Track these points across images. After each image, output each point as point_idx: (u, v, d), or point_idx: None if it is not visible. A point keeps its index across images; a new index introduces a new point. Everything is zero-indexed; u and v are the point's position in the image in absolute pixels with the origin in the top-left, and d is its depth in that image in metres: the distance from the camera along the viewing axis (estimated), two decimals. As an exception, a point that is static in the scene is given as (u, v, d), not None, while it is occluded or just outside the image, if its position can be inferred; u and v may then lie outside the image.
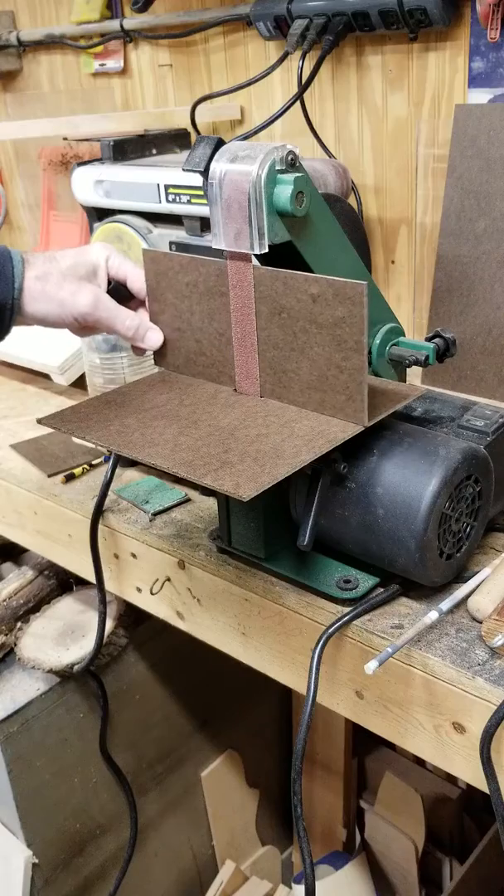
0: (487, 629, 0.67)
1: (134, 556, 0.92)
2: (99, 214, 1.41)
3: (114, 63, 1.67)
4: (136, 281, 0.82)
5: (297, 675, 0.79)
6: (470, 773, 0.67)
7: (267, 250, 0.70)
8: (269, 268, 0.71)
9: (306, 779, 1.61)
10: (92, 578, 0.96)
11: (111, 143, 1.37)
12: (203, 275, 0.75)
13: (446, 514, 0.69)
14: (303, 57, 1.25)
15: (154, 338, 0.81)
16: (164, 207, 1.27)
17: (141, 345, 0.81)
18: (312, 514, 0.71)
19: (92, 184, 1.36)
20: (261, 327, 0.73)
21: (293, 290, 0.69)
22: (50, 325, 0.79)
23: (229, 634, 0.85)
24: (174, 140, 1.47)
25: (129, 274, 0.82)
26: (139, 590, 0.95)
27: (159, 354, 0.83)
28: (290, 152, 0.69)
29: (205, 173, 0.73)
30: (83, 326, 0.80)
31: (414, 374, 1.17)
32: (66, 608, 1.25)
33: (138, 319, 0.80)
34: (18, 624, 1.22)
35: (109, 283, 0.81)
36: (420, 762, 1.58)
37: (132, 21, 1.56)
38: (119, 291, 0.82)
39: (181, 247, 1.24)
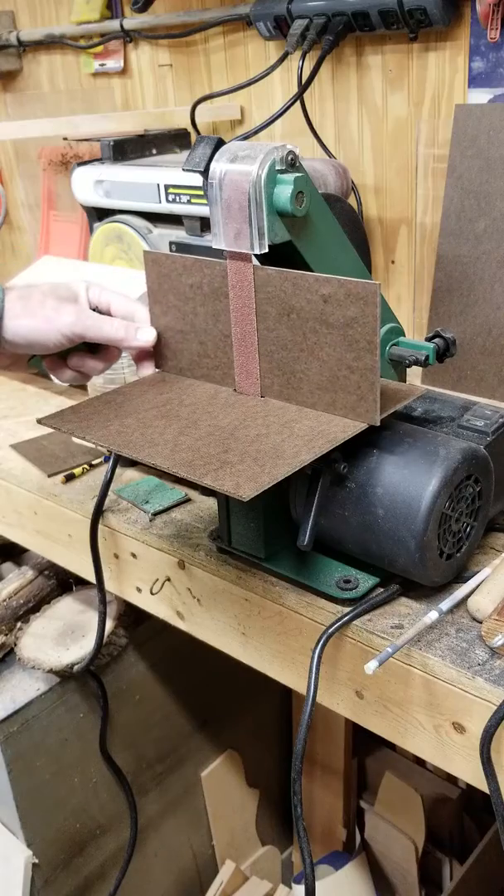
0: (487, 629, 0.67)
1: (134, 556, 0.92)
2: (99, 214, 1.41)
3: (114, 63, 1.67)
4: (120, 307, 0.80)
5: (297, 675, 0.79)
6: (470, 773, 0.67)
7: (267, 250, 0.70)
8: (277, 268, 0.71)
9: (306, 779, 1.61)
10: (92, 578, 0.96)
11: (111, 143, 1.38)
12: (207, 276, 0.75)
13: (446, 514, 0.69)
14: (303, 57, 1.25)
15: (146, 334, 0.79)
16: (164, 207, 1.27)
17: (135, 343, 0.79)
18: (312, 514, 0.71)
19: (92, 184, 1.36)
20: (269, 328, 0.73)
21: (303, 291, 0.69)
22: (35, 346, 0.77)
23: (229, 634, 0.85)
24: (174, 140, 1.47)
25: (112, 300, 0.80)
26: (139, 590, 0.95)
27: (161, 357, 0.83)
28: (290, 152, 0.69)
29: (205, 173, 0.73)
30: (67, 348, 0.78)
31: (414, 374, 1.17)
32: (66, 608, 1.25)
33: (125, 322, 0.79)
34: (18, 624, 1.22)
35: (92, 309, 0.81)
36: (420, 762, 1.58)
37: (132, 21, 1.56)
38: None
39: (181, 247, 1.24)
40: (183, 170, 0.77)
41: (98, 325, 0.77)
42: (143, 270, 0.81)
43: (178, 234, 1.28)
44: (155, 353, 0.83)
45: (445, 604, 0.70)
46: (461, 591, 0.71)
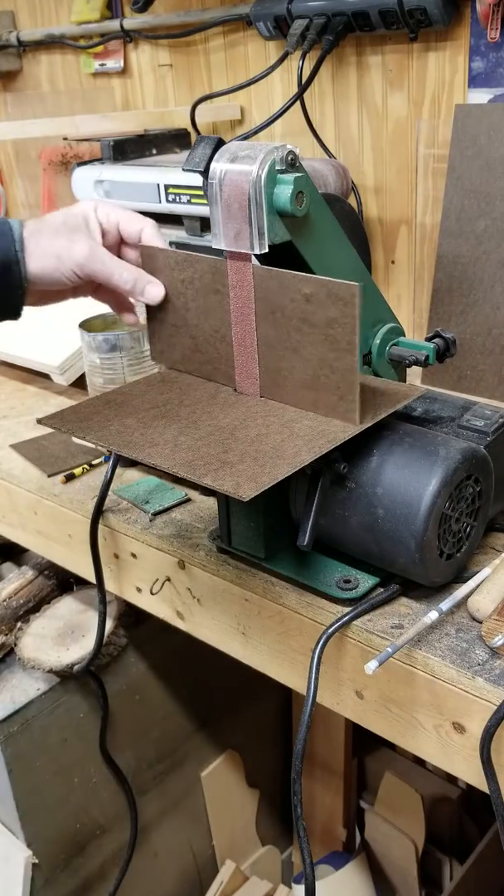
0: (487, 629, 0.67)
1: (134, 556, 0.92)
2: (99, 214, 1.41)
3: (114, 63, 1.67)
4: (128, 224, 0.79)
5: (297, 675, 0.79)
6: (470, 773, 0.67)
7: (267, 250, 0.70)
8: (264, 266, 0.71)
9: (306, 779, 1.61)
10: (92, 578, 0.96)
11: (111, 143, 1.38)
12: (199, 272, 0.75)
13: (446, 514, 0.69)
14: (303, 57, 1.25)
15: (154, 291, 0.78)
16: (164, 207, 1.27)
17: (141, 298, 0.78)
18: (312, 514, 0.71)
19: (92, 184, 1.36)
20: (256, 326, 0.73)
21: (287, 290, 0.69)
22: (50, 283, 0.76)
23: (229, 634, 0.85)
24: (174, 140, 1.47)
25: (120, 218, 0.79)
26: (139, 590, 0.95)
27: (157, 351, 0.83)
28: (290, 152, 0.69)
29: (205, 173, 0.73)
30: (80, 284, 0.78)
31: (414, 374, 1.17)
32: (66, 608, 1.25)
33: (136, 272, 0.77)
34: (18, 624, 1.22)
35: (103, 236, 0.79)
36: (420, 762, 1.58)
37: (132, 21, 1.56)
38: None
39: (181, 247, 1.24)
40: (183, 170, 0.77)
41: (108, 270, 0.76)
42: (142, 270, 0.81)
43: (178, 234, 1.28)
44: (150, 345, 0.83)
45: (445, 604, 0.70)
46: (461, 591, 0.71)
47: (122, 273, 0.77)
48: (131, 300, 0.82)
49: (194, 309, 0.77)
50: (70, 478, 1.02)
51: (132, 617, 1.25)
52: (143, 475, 1.01)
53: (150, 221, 0.80)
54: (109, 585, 0.98)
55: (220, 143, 0.74)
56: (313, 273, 0.74)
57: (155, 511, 0.92)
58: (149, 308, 0.81)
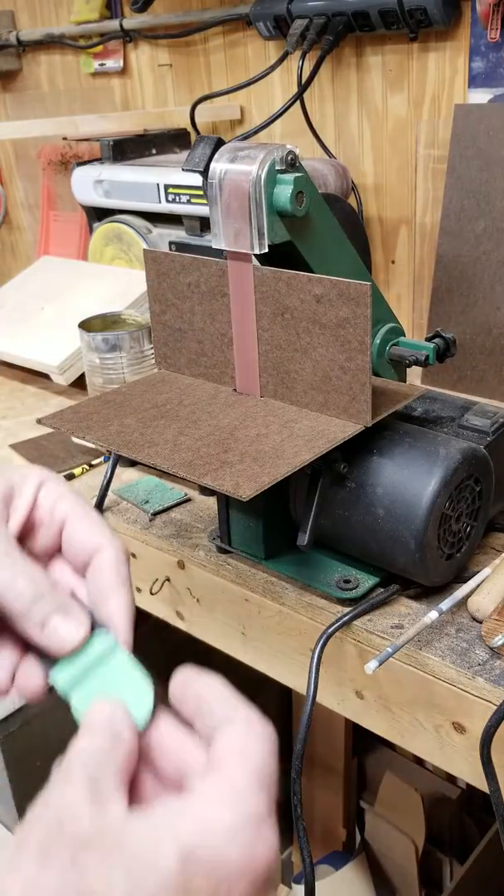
0: (487, 629, 0.67)
1: (134, 556, 0.92)
2: (99, 214, 1.41)
3: (113, 63, 1.67)
4: (79, 533, 0.47)
5: (297, 675, 0.79)
6: (470, 773, 0.67)
7: (267, 250, 0.70)
8: (272, 268, 0.71)
9: (306, 779, 1.61)
10: (92, 578, 0.96)
11: (111, 143, 1.38)
12: (204, 275, 0.75)
13: (446, 514, 0.69)
14: (303, 57, 1.25)
15: (63, 631, 0.43)
16: (164, 207, 1.27)
17: (40, 636, 0.42)
18: (312, 514, 0.71)
19: (92, 184, 1.37)
20: (263, 328, 0.73)
21: (296, 291, 0.69)
22: None
23: (229, 634, 0.85)
24: (174, 140, 1.48)
25: (69, 516, 0.46)
26: (139, 590, 0.95)
27: (161, 356, 0.83)
28: (290, 152, 0.69)
29: (205, 173, 0.73)
30: None
31: (414, 374, 1.17)
32: (66, 608, 1.25)
33: (43, 585, 0.42)
34: (18, 624, 1.22)
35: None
36: (420, 762, 1.58)
37: (132, 21, 1.56)
38: None
39: (181, 247, 1.24)
40: (183, 170, 0.77)
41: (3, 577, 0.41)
42: (142, 270, 0.81)
43: (178, 234, 1.28)
44: (154, 350, 0.83)
45: (445, 604, 0.70)
46: (461, 591, 0.71)
47: (17, 581, 0.41)
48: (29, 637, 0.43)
49: (200, 313, 0.77)
50: (70, 478, 1.02)
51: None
52: (142, 475, 1.01)
53: (115, 544, 0.47)
54: (109, 585, 0.98)
55: (219, 142, 0.74)
56: (313, 273, 0.73)
57: (155, 511, 0.92)
58: (153, 312, 0.81)
